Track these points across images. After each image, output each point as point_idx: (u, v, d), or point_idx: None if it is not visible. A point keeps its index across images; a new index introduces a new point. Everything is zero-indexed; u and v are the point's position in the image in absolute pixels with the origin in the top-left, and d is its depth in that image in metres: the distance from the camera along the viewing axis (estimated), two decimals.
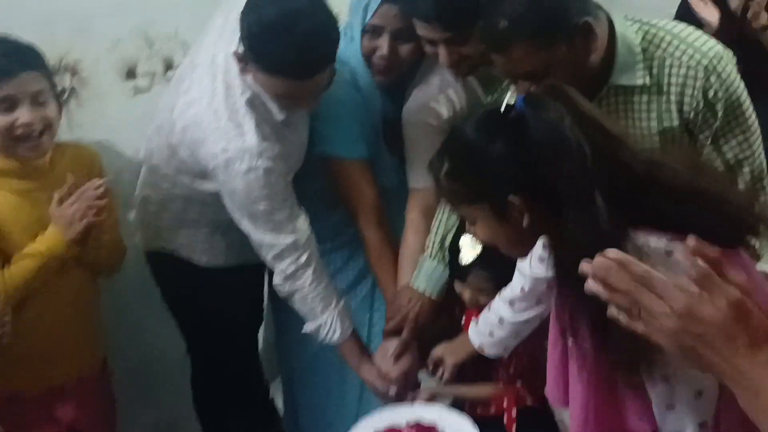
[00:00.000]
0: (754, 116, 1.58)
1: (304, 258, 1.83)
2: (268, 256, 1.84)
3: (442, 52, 1.69)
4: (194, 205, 1.93)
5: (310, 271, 1.84)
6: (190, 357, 2.26)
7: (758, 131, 1.60)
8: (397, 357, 1.89)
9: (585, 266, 0.88)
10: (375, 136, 1.98)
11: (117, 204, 1.92)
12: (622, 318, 0.87)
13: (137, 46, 2.24)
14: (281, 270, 1.84)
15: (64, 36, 2.05)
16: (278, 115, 1.76)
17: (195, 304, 2.09)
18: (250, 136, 1.71)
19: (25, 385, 1.78)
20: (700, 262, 0.83)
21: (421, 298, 1.86)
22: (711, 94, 1.51)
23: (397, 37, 1.81)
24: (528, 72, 1.46)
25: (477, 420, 1.71)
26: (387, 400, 1.94)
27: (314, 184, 1.97)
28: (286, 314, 2.04)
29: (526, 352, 1.78)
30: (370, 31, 1.82)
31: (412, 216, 1.95)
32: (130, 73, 2.24)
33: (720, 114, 1.53)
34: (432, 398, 1.87)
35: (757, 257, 1.65)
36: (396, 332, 1.90)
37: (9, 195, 1.70)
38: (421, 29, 1.69)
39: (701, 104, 1.52)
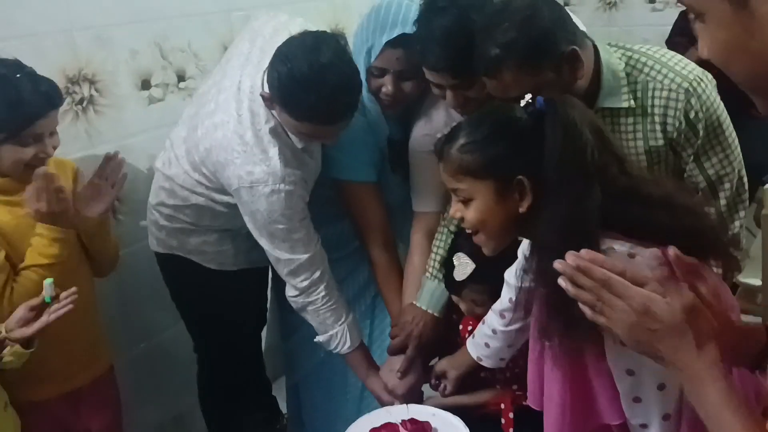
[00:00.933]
0: (733, 135, 1.65)
1: (318, 274, 1.92)
2: (284, 272, 1.92)
3: (449, 95, 1.77)
4: (206, 213, 2.00)
5: (322, 287, 1.93)
6: (197, 355, 2.32)
7: (738, 149, 1.67)
8: (403, 373, 1.96)
9: (557, 264, 1.00)
10: (381, 157, 2.06)
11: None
12: (587, 312, 1.00)
13: (152, 57, 2.32)
14: (295, 285, 1.92)
15: (84, 47, 2.13)
16: (298, 144, 1.85)
17: (203, 304, 2.16)
18: (275, 162, 1.79)
19: (41, 394, 1.82)
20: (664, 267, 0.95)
21: (425, 316, 1.93)
22: (692, 114, 1.58)
23: (401, 77, 1.88)
24: (518, 97, 1.54)
25: (475, 418, 1.78)
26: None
27: (324, 191, 2.03)
28: (291, 317, 2.12)
29: (522, 357, 1.79)
30: (375, 72, 1.89)
31: (417, 237, 2.03)
32: (145, 84, 2.32)
33: (701, 133, 1.60)
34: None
35: (739, 268, 1.74)
36: (401, 349, 1.97)
37: (13, 210, 1.75)
38: (430, 76, 1.77)
39: (683, 124, 1.59)
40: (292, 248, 1.88)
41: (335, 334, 1.97)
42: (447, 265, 1.84)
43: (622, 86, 1.61)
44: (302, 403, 2.39)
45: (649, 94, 1.60)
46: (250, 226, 1.88)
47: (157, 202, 2.06)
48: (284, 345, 2.38)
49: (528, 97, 1.33)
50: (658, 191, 1.29)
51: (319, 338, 2.00)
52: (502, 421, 1.85)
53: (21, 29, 1.97)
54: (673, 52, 1.66)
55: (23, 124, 1.66)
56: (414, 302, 1.95)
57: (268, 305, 2.40)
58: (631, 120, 1.63)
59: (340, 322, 1.97)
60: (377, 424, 1.69)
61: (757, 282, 2.04)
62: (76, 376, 1.90)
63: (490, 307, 1.80)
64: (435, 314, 1.93)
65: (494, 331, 1.69)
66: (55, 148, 1.77)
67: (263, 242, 1.89)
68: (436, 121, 1.96)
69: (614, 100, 1.61)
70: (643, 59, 1.63)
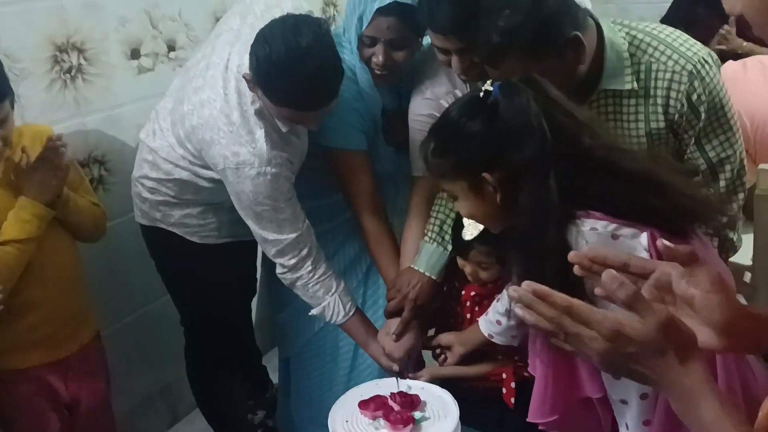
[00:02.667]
0: (735, 118, 1.64)
1: (305, 251, 1.91)
2: (271, 252, 1.91)
3: (455, 60, 1.75)
4: (190, 187, 1.99)
5: (309, 262, 1.92)
6: (184, 328, 2.32)
7: (739, 131, 1.66)
8: (399, 336, 1.95)
9: (512, 292, 0.91)
10: (373, 127, 2.05)
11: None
12: (553, 339, 0.91)
13: (142, 26, 2.29)
14: (283, 263, 1.92)
15: (73, 15, 2.09)
16: (283, 127, 1.83)
17: (188, 278, 2.15)
18: (261, 144, 1.77)
19: (27, 361, 1.82)
20: (627, 282, 0.85)
21: (422, 278, 1.92)
22: (695, 97, 1.57)
23: (392, 46, 1.86)
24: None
25: (477, 392, 1.80)
26: (392, 375, 1.98)
27: (316, 162, 2.02)
28: (281, 291, 2.10)
29: (523, 327, 1.83)
30: (366, 41, 1.87)
31: (416, 201, 2.02)
32: (135, 53, 2.29)
33: (703, 116, 1.59)
34: (431, 379, 1.91)
35: (735, 249, 1.74)
36: (397, 312, 1.96)
37: None
38: (436, 40, 1.75)
39: (685, 107, 1.58)
40: (278, 228, 1.87)
41: (328, 305, 1.97)
42: (456, 226, 1.85)
43: (626, 67, 1.59)
44: (293, 377, 2.39)
45: (653, 76, 1.58)
46: (236, 205, 1.87)
47: (141, 175, 2.04)
48: (275, 319, 2.38)
49: (488, 83, 1.33)
50: (636, 166, 1.29)
51: (313, 311, 1.99)
52: (504, 390, 1.87)
53: None
54: (678, 32, 1.63)
55: None
56: (412, 266, 1.95)
57: (258, 277, 2.40)
58: (633, 102, 1.61)
59: (331, 293, 1.96)
60: (366, 397, 1.69)
61: (746, 262, 2.05)
62: (63, 344, 1.90)
63: (494, 272, 1.83)
64: (432, 277, 1.93)
65: (507, 311, 1.70)
66: (5, 138, 1.71)
67: (250, 222, 1.88)
68: (438, 86, 1.95)
69: (617, 82, 1.59)
70: (648, 39, 1.60)
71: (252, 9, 1.83)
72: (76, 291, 1.93)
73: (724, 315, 0.87)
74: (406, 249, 2.00)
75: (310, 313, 2.00)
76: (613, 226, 1.23)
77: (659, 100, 1.59)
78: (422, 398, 1.67)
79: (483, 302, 1.90)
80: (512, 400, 1.85)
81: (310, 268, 1.93)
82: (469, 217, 1.44)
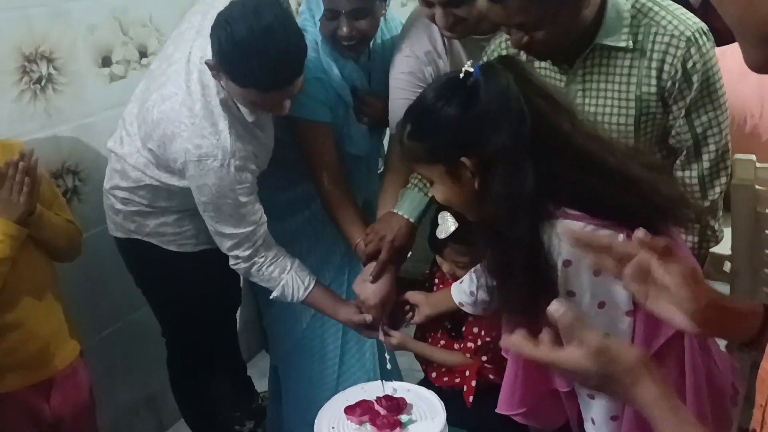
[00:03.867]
0: (725, 97, 1.64)
1: (260, 241, 1.90)
2: (226, 245, 1.89)
3: (438, 14, 1.74)
4: (162, 194, 1.96)
5: (262, 249, 1.91)
6: (165, 340, 2.29)
7: (727, 116, 1.65)
8: (375, 277, 1.93)
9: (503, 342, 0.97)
10: (341, 104, 2.03)
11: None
12: None
13: (112, 33, 2.26)
14: (237, 255, 1.90)
15: (41, 23, 2.06)
16: (249, 117, 1.81)
17: (167, 288, 2.12)
18: (224, 135, 1.75)
19: (10, 385, 1.78)
20: (568, 314, 0.88)
21: (400, 221, 1.91)
22: (690, 64, 1.56)
23: (354, 16, 1.85)
24: (521, 23, 1.52)
25: (439, 390, 1.79)
26: (367, 334, 2.01)
27: (291, 152, 2.02)
28: (265, 292, 2.08)
29: (493, 328, 1.84)
30: (327, 14, 1.86)
31: (393, 159, 2.02)
32: (106, 60, 2.26)
33: (695, 86, 1.58)
34: (401, 346, 1.94)
35: (717, 239, 1.75)
36: (374, 254, 1.94)
37: None
38: None
39: (679, 73, 1.57)
40: (237, 222, 1.85)
41: (286, 284, 1.95)
42: (432, 224, 1.84)
43: (624, 26, 1.59)
44: (282, 380, 2.38)
45: (651, 38, 1.58)
46: (197, 199, 1.84)
47: (111, 186, 2.00)
48: (261, 321, 2.36)
49: (468, 64, 1.33)
50: (612, 159, 1.28)
51: (274, 294, 1.97)
52: (464, 387, 1.88)
53: None
54: (678, 5, 1.64)
55: None
56: (392, 209, 1.93)
57: (242, 283, 2.37)
58: (627, 61, 1.61)
59: (286, 271, 1.94)
60: (352, 402, 1.68)
61: (725, 251, 2.06)
62: (45, 365, 1.85)
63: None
64: (411, 221, 1.91)
65: (482, 285, 1.69)
66: None
67: (207, 216, 1.85)
68: (417, 45, 1.95)
69: (614, 38, 1.59)
70: (650, 4, 1.61)
71: (213, 5, 1.81)
72: (54, 310, 1.88)
73: (696, 306, 0.91)
74: (383, 199, 2.00)
75: (271, 297, 1.98)
76: (590, 227, 1.23)
77: (654, 63, 1.58)
78: (408, 401, 1.66)
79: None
80: (470, 398, 1.86)
81: (263, 253, 1.91)
82: (446, 202, 1.42)
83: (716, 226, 1.72)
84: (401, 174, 1.97)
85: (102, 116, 2.24)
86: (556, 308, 0.88)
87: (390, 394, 1.69)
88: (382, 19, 1.98)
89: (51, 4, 2.08)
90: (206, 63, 1.72)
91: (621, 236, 1.23)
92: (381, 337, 1.94)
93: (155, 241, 2.03)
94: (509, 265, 1.27)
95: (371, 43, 2.03)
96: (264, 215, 1.91)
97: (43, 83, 2.09)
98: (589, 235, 1.01)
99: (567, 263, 1.29)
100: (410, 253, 2.00)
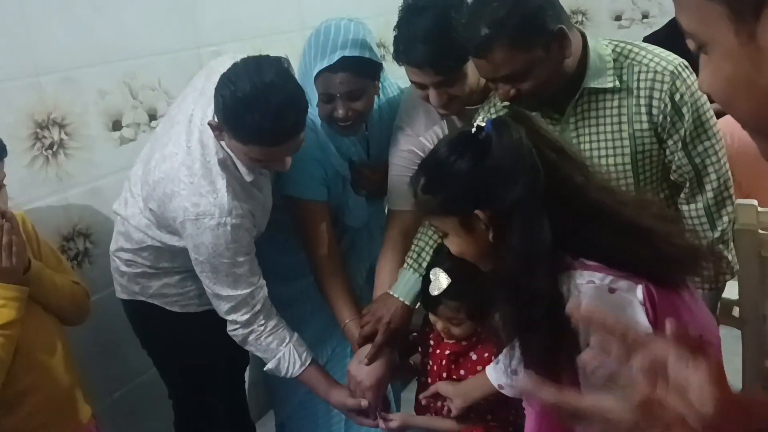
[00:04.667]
0: (717, 127, 1.66)
1: (258, 306, 1.90)
2: (223, 308, 1.89)
3: (432, 94, 1.79)
4: (164, 254, 1.97)
5: (262, 316, 1.91)
6: (172, 401, 2.27)
7: (722, 142, 1.68)
8: (371, 359, 1.93)
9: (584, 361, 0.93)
10: (338, 179, 2.07)
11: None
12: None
13: (122, 97, 2.30)
14: (236, 319, 1.90)
15: (51, 90, 2.10)
16: (247, 176, 1.83)
17: (172, 349, 2.12)
18: (222, 194, 1.78)
19: None
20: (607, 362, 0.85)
21: (396, 303, 1.92)
22: (677, 97, 1.61)
23: (349, 98, 1.88)
24: (508, 75, 1.57)
25: None
26: (360, 422, 1.99)
27: (287, 218, 2.04)
28: None
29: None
30: (323, 98, 1.89)
31: (391, 234, 2.04)
32: (116, 124, 2.29)
33: (686, 117, 1.61)
34: (404, 426, 1.92)
35: (731, 271, 1.74)
36: (370, 336, 1.94)
37: None
38: (413, 75, 1.79)
39: (669, 107, 1.61)
40: (234, 283, 1.85)
41: (283, 357, 1.94)
42: (424, 281, 1.84)
43: (608, 68, 1.64)
44: None
45: (635, 76, 1.63)
46: (193, 259, 1.85)
47: (116, 248, 2.03)
48: (267, 381, 2.35)
49: (479, 119, 1.36)
50: (624, 210, 1.29)
51: (268, 366, 1.96)
52: None
53: None
54: (656, 46, 1.70)
55: None
56: (389, 291, 1.94)
57: None
58: (616, 102, 1.65)
59: (284, 344, 1.94)
60: None
61: (733, 296, 2.06)
62: (61, 428, 1.84)
63: (467, 328, 1.82)
64: (407, 303, 1.92)
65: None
66: (4, 201, 1.72)
67: (204, 277, 1.86)
68: (417, 122, 1.99)
69: (600, 80, 1.64)
70: (629, 47, 1.67)
71: (217, 69, 1.86)
72: (67, 371, 1.87)
73: (716, 407, 0.84)
74: (380, 279, 2.02)
75: (265, 369, 1.97)
76: (609, 278, 1.23)
77: (642, 100, 1.63)
78: None
79: (459, 360, 1.88)
80: None
81: (262, 321, 1.91)
82: (459, 254, 1.42)
83: (730, 257, 1.73)
84: (398, 251, 2.00)
85: (112, 179, 2.26)
86: (593, 356, 0.87)
87: None
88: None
89: (62, 71, 2.13)
90: (209, 124, 1.75)
91: (639, 288, 1.22)
92: (381, 425, 1.91)
93: (159, 303, 2.04)
94: (529, 318, 1.26)
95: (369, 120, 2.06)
96: (263, 279, 1.92)
97: (54, 149, 2.12)
98: (604, 319, 0.97)
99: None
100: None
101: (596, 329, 0.91)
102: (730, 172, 1.71)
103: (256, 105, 1.65)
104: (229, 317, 1.90)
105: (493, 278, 1.36)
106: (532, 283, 1.25)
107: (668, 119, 1.62)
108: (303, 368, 1.96)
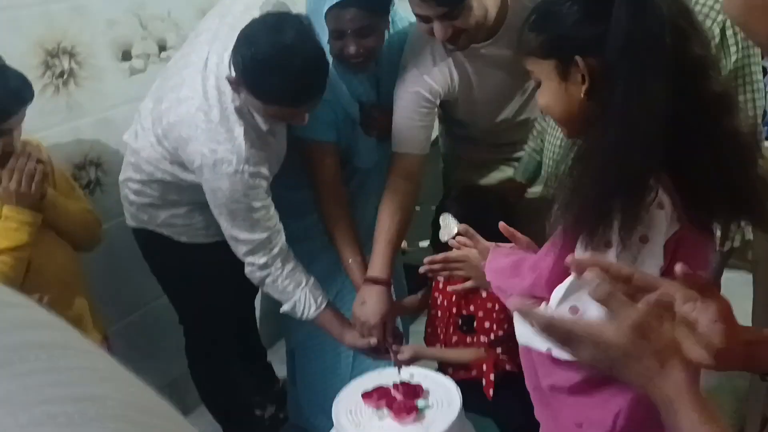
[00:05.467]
0: (761, 81, 1.61)
1: (276, 249, 1.93)
2: (241, 251, 1.92)
3: (437, 26, 1.75)
4: (172, 188, 1.99)
5: (279, 259, 1.94)
6: (183, 326, 2.33)
7: (763, 99, 1.62)
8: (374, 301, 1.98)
9: (511, 305, 0.94)
10: (348, 120, 2.07)
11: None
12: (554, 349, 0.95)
13: (131, 27, 2.29)
14: (253, 262, 1.93)
15: (62, 19, 2.10)
16: (263, 125, 1.84)
17: (181, 278, 2.16)
18: (240, 142, 1.79)
19: None
20: (604, 283, 0.85)
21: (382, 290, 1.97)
22: (729, 32, 1.56)
23: (359, 35, 1.86)
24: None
25: (458, 382, 1.79)
26: (373, 357, 2.05)
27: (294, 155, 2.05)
28: None
29: (505, 321, 1.88)
30: (333, 35, 1.87)
31: (394, 178, 2.03)
32: (126, 54, 2.29)
33: (733, 58, 1.56)
34: (414, 358, 1.96)
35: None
36: (377, 350, 2.01)
37: None
38: (417, 7, 1.76)
39: (717, 38, 1.56)
40: (251, 227, 1.88)
41: (299, 300, 1.99)
42: (434, 226, 1.85)
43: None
44: (297, 367, 2.42)
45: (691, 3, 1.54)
46: (210, 203, 1.88)
47: (125, 178, 2.05)
48: (279, 309, 2.40)
49: None
50: (740, 131, 1.14)
51: (284, 308, 2.01)
52: (483, 381, 1.90)
53: None
54: None
55: None
56: (370, 279, 1.98)
57: None
58: None
59: (301, 287, 1.98)
60: (369, 388, 1.72)
61: (748, 236, 2.05)
62: None
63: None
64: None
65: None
66: (17, 139, 1.75)
67: (222, 220, 1.89)
68: (423, 60, 1.97)
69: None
70: None
71: (231, 9, 1.84)
72: (79, 294, 1.93)
73: (723, 343, 0.86)
74: (381, 223, 2.02)
75: (281, 310, 2.01)
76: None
77: None
78: (425, 387, 1.70)
79: (468, 295, 1.92)
80: (491, 392, 1.88)
81: (279, 265, 1.94)
82: (546, 107, 1.27)
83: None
84: (400, 193, 2.01)
85: (122, 109, 2.27)
86: (592, 277, 0.85)
87: (407, 379, 1.73)
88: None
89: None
90: (227, 79, 1.75)
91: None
92: (393, 358, 1.95)
93: (167, 232, 2.07)
94: (604, 210, 1.11)
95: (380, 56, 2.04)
96: (280, 224, 1.94)
97: (65, 77, 2.13)
98: (608, 264, 0.94)
99: (644, 238, 1.14)
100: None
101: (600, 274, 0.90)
102: (762, 128, 1.68)
103: (277, 68, 1.64)
104: (247, 259, 1.94)
105: (577, 153, 1.21)
106: (626, 165, 1.09)
107: (714, 51, 1.54)
108: (318, 311, 2.01)
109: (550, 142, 1.88)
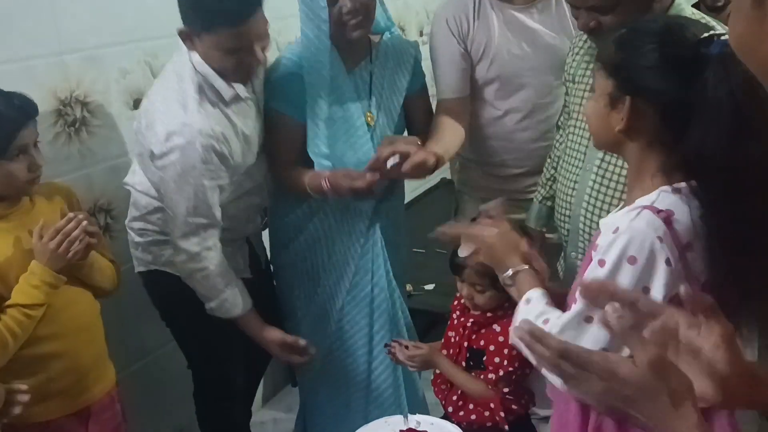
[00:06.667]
0: None
1: (210, 241, 1.94)
2: (178, 233, 1.93)
3: (581, 15, 1.71)
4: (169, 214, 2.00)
5: (213, 253, 1.96)
6: (192, 373, 2.32)
7: None
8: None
9: (512, 331, 0.92)
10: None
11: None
12: (557, 381, 0.91)
13: (143, 76, 2.34)
14: (186, 249, 1.94)
15: (75, 69, 2.14)
16: (226, 91, 1.89)
17: (188, 318, 2.16)
18: (192, 113, 1.83)
19: (48, 415, 1.82)
20: (624, 317, 0.83)
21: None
22: None
23: None
24: (595, 5, 1.58)
25: (462, 427, 1.80)
26: (289, 361, 2.11)
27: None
28: (292, 322, 2.17)
29: (516, 357, 1.85)
30: (330, 1, 1.95)
31: (441, 119, 2.19)
32: (137, 103, 2.32)
33: None
34: (426, 364, 1.97)
35: None
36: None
37: (5, 238, 1.73)
38: None
39: None
40: (194, 209, 1.89)
41: (227, 298, 1.99)
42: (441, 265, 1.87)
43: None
44: (308, 411, 2.42)
45: None
46: (159, 181, 1.89)
47: (129, 219, 2.10)
48: None
49: (716, 30, 1.24)
50: None
51: (210, 305, 2.01)
52: (491, 420, 1.89)
53: (11, 53, 1.98)
54: None
55: (7, 138, 1.66)
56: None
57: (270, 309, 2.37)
58: None
59: (230, 286, 1.99)
60: None
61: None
62: (84, 393, 1.90)
63: (490, 298, 1.85)
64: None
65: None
66: (41, 159, 1.77)
67: (167, 199, 1.90)
68: (453, 16, 2.17)
69: None
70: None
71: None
72: (95, 339, 1.93)
73: (727, 371, 0.85)
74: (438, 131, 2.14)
75: (207, 308, 2.02)
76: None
77: None
78: None
79: (480, 330, 1.92)
80: (506, 427, 1.87)
81: (213, 258, 1.96)
82: (588, 116, 1.39)
83: None
84: (451, 132, 2.15)
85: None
86: (613, 309, 0.84)
87: (413, 427, 1.72)
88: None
89: (85, 50, 2.17)
90: (179, 33, 1.83)
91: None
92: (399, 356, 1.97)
93: (173, 271, 2.08)
94: None
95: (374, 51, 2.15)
96: (221, 221, 1.96)
97: (77, 126, 2.17)
98: (614, 288, 0.96)
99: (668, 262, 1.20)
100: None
101: (605, 298, 0.89)
102: None
103: None
104: (180, 243, 1.94)
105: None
106: None
107: None
108: (243, 311, 2.03)
109: (564, 184, 1.88)
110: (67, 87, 2.13)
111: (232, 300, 2.00)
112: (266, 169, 2.16)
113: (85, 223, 1.76)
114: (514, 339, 0.93)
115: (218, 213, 1.94)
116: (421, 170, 1.98)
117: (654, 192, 1.25)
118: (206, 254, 1.94)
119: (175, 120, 1.82)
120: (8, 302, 1.71)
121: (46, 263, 1.72)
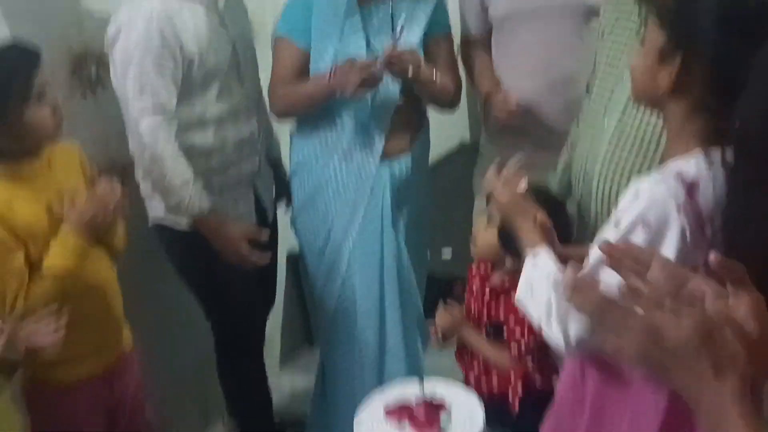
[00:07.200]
0: None
1: (163, 132, 1.94)
2: (136, 107, 1.93)
3: None
4: None
5: (168, 146, 1.96)
6: (211, 325, 2.36)
7: None
8: None
9: (564, 278, 0.88)
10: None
11: None
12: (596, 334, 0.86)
13: None
14: (145, 127, 1.94)
15: (90, 26, 2.11)
16: None
17: (196, 271, 2.21)
18: (145, 4, 1.90)
19: (77, 375, 1.83)
20: (674, 275, 0.81)
21: None
22: None
23: None
24: None
25: (481, 397, 1.78)
26: (254, 261, 2.10)
27: None
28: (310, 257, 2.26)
29: (530, 325, 1.79)
30: None
31: (478, 52, 2.34)
32: None
33: None
34: (451, 330, 1.93)
35: None
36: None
37: (24, 202, 1.69)
38: None
39: None
40: (152, 88, 1.92)
41: (185, 196, 1.99)
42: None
43: None
44: (325, 368, 2.45)
45: None
46: (112, 66, 1.95)
47: (136, 173, 2.11)
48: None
49: None
50: None
51: (169, 202, 2.02)
52: (509, 392, 1.85)
53: (26, 9, 1.96)
54: None
55: (26, 82, 1.63)
56: None
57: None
58: None
59: (188, 185, 1.99)
60: (391, 401, 1.70)
61: None
62: (108, 353, 1.91)
63: (505, 266, 1.84)
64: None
65: None
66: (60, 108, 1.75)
67: (118, 83, 1.95)
68: None
69: None
70: None
71: None
72: (115, 299, 1.94)
73: (758, 343, 0.80)
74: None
75: (167, 206, 2.04)
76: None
77: None
78: (448, 401, 1.68)
79: (499, 298, 1.89)
80: (516, 403, 1.83)
81: (169, 147, 1.96)
82: (632, 68, 1.31)
83: None
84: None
85: None
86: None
87: (430, 393, 1.71)
88: None
89: (101, 6, 2.13)
90: None
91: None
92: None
93: (169, 224, 2.11)
94: None
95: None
96: (173, 111, 1.97)
97: (93, 82, 2.15)
98: (639, 252, 0.92)
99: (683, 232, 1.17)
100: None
101: (630, 262, 0.87)
102: None
103: None
104: (140, 122, 1.94)
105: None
106: None
107: None
108: (201, 210, 2.03)
109: (581, 145, 1.83)
110: (83, 44, 2.10)
111: (191, 198, 1.99)
112: (257, 100, 2.20)
113: (118, 190, 1.76)
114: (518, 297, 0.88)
115: (169, 100, 1.95)
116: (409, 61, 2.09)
117: (686, 158, 1.21)
118: (164, 135, 1.95)
119: (134, 12, 1.90)
120: (42, 271, 1.69)
121: (81, 231, 1.71)
